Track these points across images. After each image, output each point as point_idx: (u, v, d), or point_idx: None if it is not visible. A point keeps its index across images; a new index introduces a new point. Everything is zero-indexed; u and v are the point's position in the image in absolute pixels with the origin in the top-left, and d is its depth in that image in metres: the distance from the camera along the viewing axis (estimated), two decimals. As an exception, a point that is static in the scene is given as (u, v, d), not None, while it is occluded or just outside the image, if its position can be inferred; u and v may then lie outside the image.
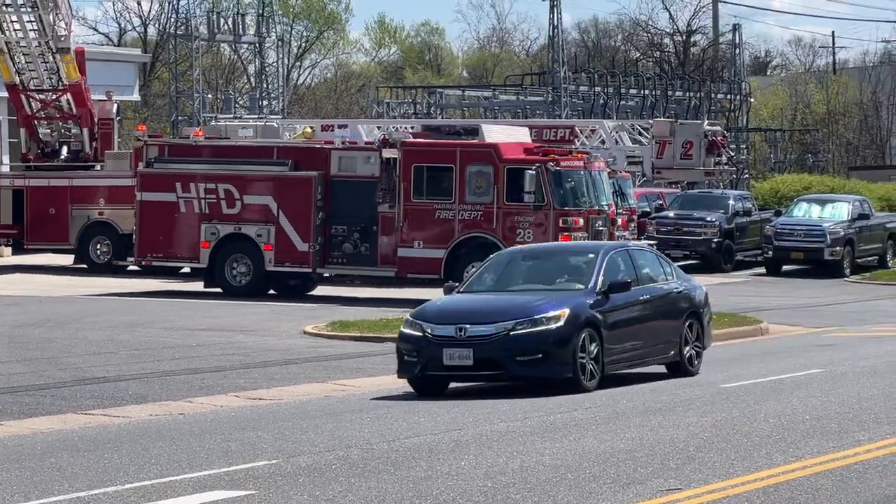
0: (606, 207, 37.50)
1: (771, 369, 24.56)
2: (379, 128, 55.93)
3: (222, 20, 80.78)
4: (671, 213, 54.39)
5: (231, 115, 68.01)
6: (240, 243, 38.13)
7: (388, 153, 37.01)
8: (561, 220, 35.38)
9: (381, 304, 34.75)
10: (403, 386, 22.58)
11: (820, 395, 21.09)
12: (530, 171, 35.54)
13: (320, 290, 38.97)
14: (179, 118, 73.05)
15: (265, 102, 77.42)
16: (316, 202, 37.25)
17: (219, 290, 38.19)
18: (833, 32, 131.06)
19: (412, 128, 43.03)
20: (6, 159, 52.86)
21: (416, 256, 36.52)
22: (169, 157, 40.20)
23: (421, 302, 31.89)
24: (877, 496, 13.42)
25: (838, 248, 47.02)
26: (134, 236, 40.22)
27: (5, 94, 48.92)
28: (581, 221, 35.78)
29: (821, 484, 13.96)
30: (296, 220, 37.49)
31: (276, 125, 53.84)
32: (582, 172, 37.14)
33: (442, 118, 73.46)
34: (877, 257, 51.89)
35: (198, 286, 41.70)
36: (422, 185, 36.50)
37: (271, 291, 38.30)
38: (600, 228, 36.57)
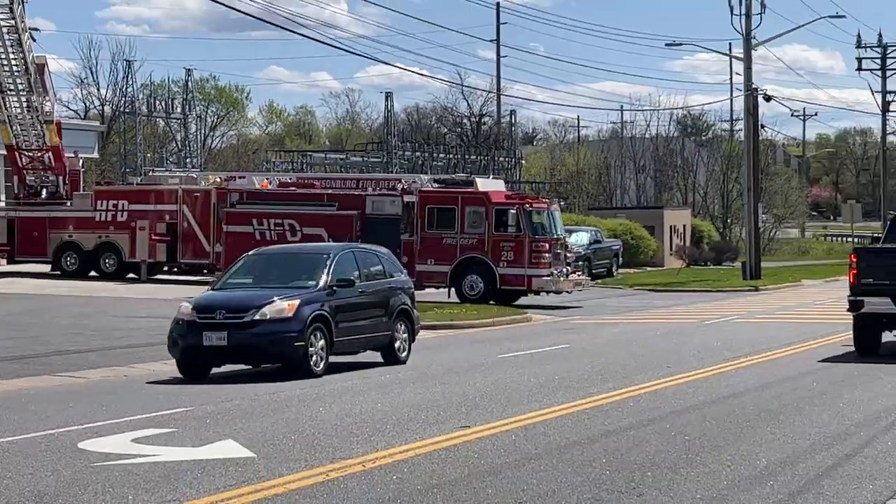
0: (561, 236, 37.91)
1: (533, 345, 24.73)
2: (268, 179, 55.43)
3: (157, 102, 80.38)
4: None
5: (163, 169, 66.99)
6: None
7: (407, 198, 37.37)
8: (533, 245, 35.74)
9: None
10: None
11: (566, 362, 21.31)
12: (512, 211, 36.10)
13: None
14: (127, 170, 72.05)
15: (188, 160, 76.91)
16: (356, 232, 37.11)
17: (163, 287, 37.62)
18: (578, 116, 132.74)
19: (414, 181, 41.66)
20: (3, 196, 52.09)
21: (430, 271, 36.64)
22: (246, 200, 39.91)
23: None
24: (601, 431, 13.61)
25: (580, 262, 47.40)
26: (221, 258, 39.45)
27: (3, 151, 48.44)
28: (547, 246, 36.08)
29: (564, 423, 14.16)
30: None
31: (195, 176, 53.14)
32: (545, 212, 37.44)
33: (311, 172, 73.17)
34: (606, 269, 52.68)
35: (138, 288, 41.07)
36: (433, 221, 36.76)
37: None
38: (558, 251, 36.96)
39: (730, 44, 78.59)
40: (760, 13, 55.69)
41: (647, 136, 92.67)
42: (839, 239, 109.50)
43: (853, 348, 22.55)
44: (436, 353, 23.05)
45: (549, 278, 35.87)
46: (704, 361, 21.12)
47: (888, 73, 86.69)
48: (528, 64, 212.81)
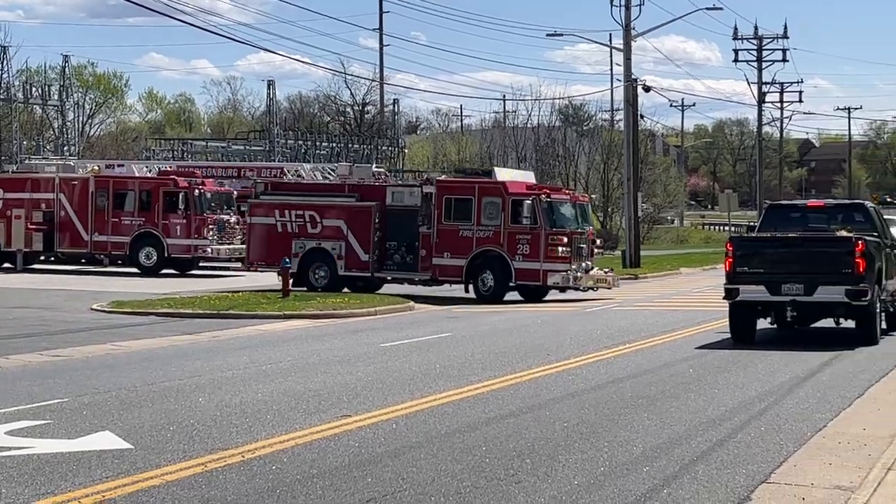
0: (585, 229, 36.20)
1: (415, 334, 24.75)
2: (147, 167, 54.74)
3: (34, 88, 78.92)
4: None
5: (40, 157, 65.81)
6: (320, 254, 36.82)
7: (426, 189, 36.22)
8: (549, 238, 34.31)
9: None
10: (166, 346, 22.21)
11: (447, 350, 21.35)
12: (527, 201, 34.68)
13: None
14: (2, 158, 70.67)
15: (66, 148, 75.67)
16: (374, 224, 36.22)
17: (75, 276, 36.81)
18: (461, 105, 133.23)
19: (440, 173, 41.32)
20: None
21: (445, 264, 35.44)
22: (271, 192, 38.72)
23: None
24: (481, 419, 13.68)
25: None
26: (249, 252, 38.80)
27: None
28: (565, 239, 34.52)
29: (444, 411, 14.20)
30: (360, 238, 36.41)
31: (72, 164, 52.26)
32: (567, 203, 35.91)
33: (192, 160, 72.44)
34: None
35: (14, 278, 40.28)
36: (450, 212, 35.39)
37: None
38: (581, 245, 35.28)
39: (610, 34, 79.31)
40: (640, 4, 56.45)
41: (529, 125, 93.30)
42: (716, 228, 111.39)
43: (730, 335, 22.98)
44: (318, 343, 22.96)
45: (565, 274, 34.45)
46: (584, 349, 21.33)
47: (764, 64, 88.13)
48: (411, 53, 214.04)
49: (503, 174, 38.00)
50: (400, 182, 39.89)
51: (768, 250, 23.01)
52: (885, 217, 27.06)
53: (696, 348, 21.74)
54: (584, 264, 35.30)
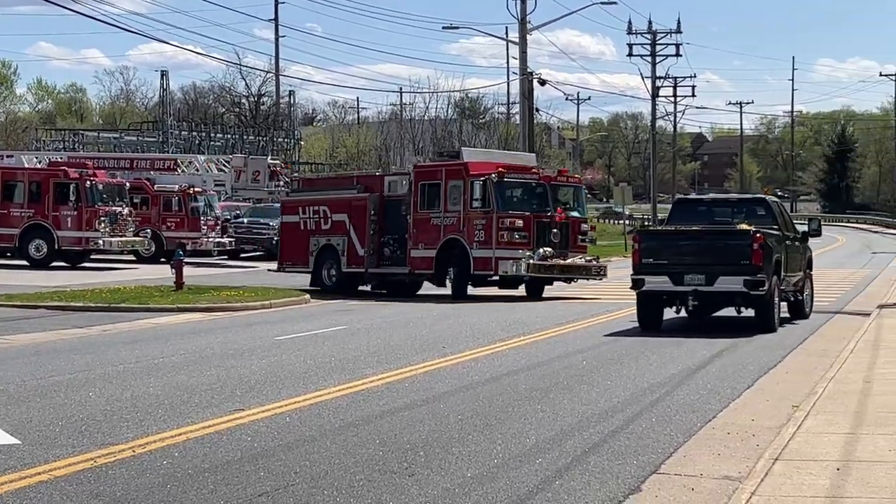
0: (551, 213, 32.29)
1: (310, 327, 24.65)
2: (37, 158, 53.86)
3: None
4: (245, 220, 54.51)
5: (-76, 147, 64.63)
6: (330, 251, 34.81)
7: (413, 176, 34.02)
8: (500, 222, 31.38)
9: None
10: (55, 340, 21.88)
11: (342, 343, 21.29)
12: (479, 182, 31.79)
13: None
14: None
15: (-48, 138, 74.47)
16: (370, 217, 34.08)
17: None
18: (357, 98, 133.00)
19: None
20: None
21: (419, 256, 33.13)
22: (299, 189, 37.46)
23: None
24: (376, 412, 13.68)
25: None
26: (281, 249, 37.41)
27: None
28: (520, 223, 31.48)
29: (339, 405, 14.17)
30: (358, 232, 34.26)
31: (-42, 154, 51.45)
32: (531, 184, 32.49)
33: (83, 151, 71.50)
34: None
35: None
36: (424, 199, 32.96)
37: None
38: (551, 231, 31.98)
39: (506, 28, 79.93)
40: (536, -2, 56.72)
41: (426, 118, 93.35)
42: (612, 221, 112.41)
43: (626, 326, 23.26)
44: (211, 337, 22.77)
45: (518, 262, 31.23)
46: (479, 341, 21.39)
47: (658, 59, 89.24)
48: (307, 45, 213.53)
49: (471, 154, 35.53)
50: (395, 171, 38.07)
51: (672, 243, 23.99)
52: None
53: (591, 340, 21.90)
54: (541, 251, 31.63)
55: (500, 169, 32.39)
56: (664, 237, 24.96)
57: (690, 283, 23.08)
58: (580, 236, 33.50)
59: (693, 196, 32.31)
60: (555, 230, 32.12)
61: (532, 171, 33.83)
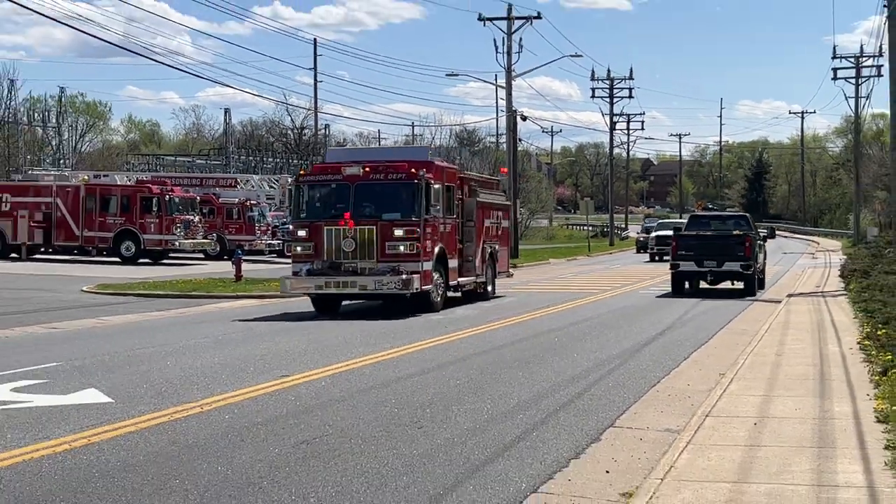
0: (437, 216, 23.66)
1: (340, 310, 24.50)
2: (127, 177, 53.86)
3: (36, 114, 77.71)
4: (290, 226, 54.36)
5: (41, 169, 64.49)
6: None
7: None
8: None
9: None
10: (140, 320, 21.86)
11: (366, 323, 21.20)
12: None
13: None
14: (10, 170, 69.32)
15: (62, 161, 74.55)
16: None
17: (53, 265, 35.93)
18: (378, 130, 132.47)
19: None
20: None
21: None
22: None
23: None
24: (392, 377, 13.63)
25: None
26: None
27: None
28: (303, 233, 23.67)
29: (363, 371, 14.10)
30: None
31: (66, 174, 51.51)
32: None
33: (163, 172, 71.41)
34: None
35: (20, 266, 39.27)
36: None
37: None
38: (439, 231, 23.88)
39: (496, 75, 79.92)
40: (518, 52, 56.94)
41: (432, 146, 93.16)
42: (578, 227, 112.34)
43: (593, 313, 23.22)
44: (262, 318, 22.71)
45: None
46: (475, 322, 21.34)
47: (615, 100, 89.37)
48: (339, 88, 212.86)
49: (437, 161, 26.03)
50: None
51: (696, 242, 29.67)
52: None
53: (563, 322, 21.87)
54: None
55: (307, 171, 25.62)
56: (691, 238, 29.98)
57: (708, 266, 29.23)
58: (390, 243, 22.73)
59: (701, 213, 36.73)
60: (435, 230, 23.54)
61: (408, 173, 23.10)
